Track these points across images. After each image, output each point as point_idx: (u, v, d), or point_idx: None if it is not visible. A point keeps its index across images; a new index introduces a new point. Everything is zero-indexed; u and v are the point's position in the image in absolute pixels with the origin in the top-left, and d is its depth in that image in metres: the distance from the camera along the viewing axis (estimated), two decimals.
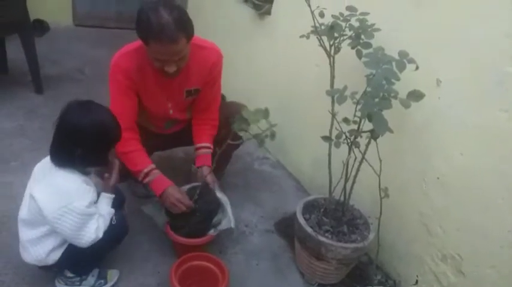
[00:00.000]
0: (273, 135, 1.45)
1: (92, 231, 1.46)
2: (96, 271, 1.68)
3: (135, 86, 1.76)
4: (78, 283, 1.63)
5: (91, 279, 1.65)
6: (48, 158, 1.49)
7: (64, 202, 1.40)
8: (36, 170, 1.53)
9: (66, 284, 1.63)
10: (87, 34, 4.53)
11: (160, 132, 2.04)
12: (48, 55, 3.67)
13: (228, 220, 1.76)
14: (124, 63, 1.71)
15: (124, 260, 1.83)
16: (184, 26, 1.55)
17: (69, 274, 1.61)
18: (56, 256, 1.51)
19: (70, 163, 1.44)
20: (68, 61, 3.75)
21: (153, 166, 1.79)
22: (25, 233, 1.50)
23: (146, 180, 1.76)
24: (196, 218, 1.74)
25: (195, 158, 1.94)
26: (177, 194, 1.73)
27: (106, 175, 1.62)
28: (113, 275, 1.71)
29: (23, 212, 1.50)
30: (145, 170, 1.77)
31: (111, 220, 1.56)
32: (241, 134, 1.48)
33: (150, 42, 1.54)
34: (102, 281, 1.67)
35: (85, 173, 1.51)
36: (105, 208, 1.55)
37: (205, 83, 1.88)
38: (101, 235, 1.49)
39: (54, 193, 1.42)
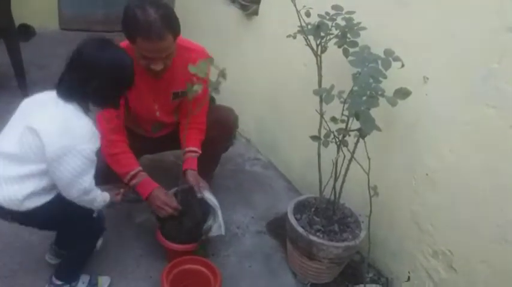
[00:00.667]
0: (224, 75, 1.49)
1: (89, 181, 1.38)
2: (86, 278, 1.66)
3: None
4: None
5: (81, 286, 1.64)
6: (41, 95, 1.41)
7: (74, 142, 1.30)
8: (26, 105, 1.42)
9: None
10: (74, 38, 4.43)
11: (148, 136, 2.02)
12: (35, 60, 3.62)
13: (218, 225, 1.75)
14: None
15: (115, 265, 1.81)
16: (171, 23, 1.55)
17: (58, 282, 1.59)
18: (32, 203, 1.36)
19: (80, 95, 1.35)
20: (54, 65, 3.66)
21: (139, 168, 1.78)
22: (7, 169, 1.34)
23: (133, 182, 1.75)
24: (186, 225, 1.73)
25: (182, 162, 1.92)
26: (163, 197, 1.72)
27: (121, 190, 1.65)
28: (103, 281, 1.69)
29: (10, 145, 1.34)
30: (132, 173, 1.75)
31: (94, 212, 1.52)
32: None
33: (137, 39, 1.53)
34: None
35: (87, 111, 1.42)
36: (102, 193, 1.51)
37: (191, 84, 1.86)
38: (93, 190, 1.42)
39: (64, 129, 1.30)
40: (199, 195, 1.79)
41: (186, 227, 1.73)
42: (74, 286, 1.62)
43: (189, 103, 1.91)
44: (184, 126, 1.96)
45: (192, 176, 1.84)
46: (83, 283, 1.65)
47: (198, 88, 1.45)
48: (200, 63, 1.46)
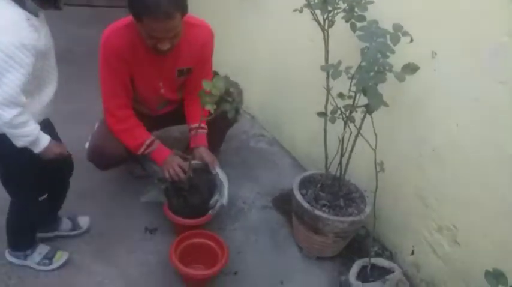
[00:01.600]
0: (237, 111, 1.49)
1: (11, 88, 1.17)
2: (44, 249, 1.67)
3: (127, 65, 1.73)
4: (22, 258, 1.64)
5: (36, 256, 1.65)
6: None
7: None
8: None
9: (12, 257, 1.65)
10: (76, 13, 4.41)
11: (152, 113, 2.03)
12: None
13: (224, 199, 1.78)
14: (115, 41, 1.67)
15: (124, 239, 1.85)
16: (179, 1, 1.52)
17: (10, 250, 1.64)
18: None
19: None
20: (57, 42, 3.66)
21: (153, 137, 1.83)
22: None
23: (148, 150, 1.80)
24: (193, 201, 1.76)
25: (190, 139, 1.93)
26: (178, 160, 1.79)
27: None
28: (61, 257, 1.68)
29: None
30: (148, 141, 1.81)
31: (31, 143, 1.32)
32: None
33: (144, 19, 1.50)
34: (47, 261, 1.65)
35: (34, 12, 1.26)
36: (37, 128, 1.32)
37: (196, 62, 1.86)
38: (19, 107, 1.22)
39: None
40: (213, 171, 1.81)
41: (192, 202, 1.76)
42: (28, 254, 1.64)
43: (194, 80, 1.91)
44: (190, 102, 1.97)
45: (206, 153, 1.86)
46: (40, 253, 1.65)
47: (226, 107, 1.48)
48: (215, 80, 1.42)
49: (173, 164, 1.77)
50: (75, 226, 1.81)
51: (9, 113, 1.21)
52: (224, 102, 1.52)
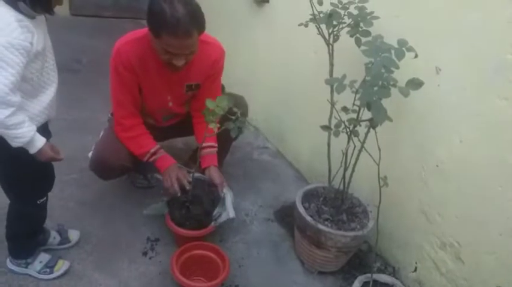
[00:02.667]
0: (241, 130, 1.50)
1: (4, 85, 1.18)
2: (46, 258, 1.66)
3: (136, 77, 1.76)
4: (23, 266, 1.64)
5: (37, 265, 1.65)
6: None
7: None
8: None
9: (13, 265, 1.64)
10: (84, 24, 4.49)
11: (157, 125, 2.04)
12: None
13: (227, 212, 1.77)
14: (126, 53, 1.70)
15: (125, 250, 1.84)
16: (198, 19, 1.54)
17: (11, 258, 1.63)
18: None
19: None
20: (65, 51, 3.70)
21: (159, 146, 1.85)
22: None
23: (152, 159, 1.82)
24: (194, 212, 1.75)
25: (200, 158, 1.92)
26: (178, 172, 1.79)
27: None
28: (62, 266, 1.68)
29: None
30: (152, 150, 1.83)
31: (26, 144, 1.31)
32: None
33: (162, 34, 1.51)
34: (48, 270, 1.65)
35: (28, 14, 1.26)
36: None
37: (206, 78, 1.87)
38: (12, 106, 1.22)
39: None
40: (221, 194, 1.81)
41: (195, 214, 1.76)
42: (29, 263, 1.64)
43: (202, 96, 1.92)
44: (199, 120, 1.98)
45: (216, 174, 1.86)
46: (41, 262, 1.65)
47: (230, 126, 1.50)
48: (219, 99, 1.43)
49: (172, 175, 1.78)
50: (64, 239, 1.80)
51: (1, 114, 1.22)
52: (227, 120, 1.52)
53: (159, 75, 1.77)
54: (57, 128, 1.65)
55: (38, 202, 1.56)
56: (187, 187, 1.77)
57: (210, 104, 1.42)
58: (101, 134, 2.00)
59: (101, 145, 1.89)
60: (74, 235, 1.83)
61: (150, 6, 1.53)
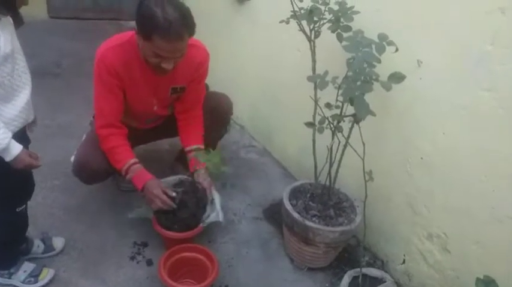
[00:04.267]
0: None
1: None
2: (29, 267, 1.64)
3: (120, 83, 1.73)
4: (7, 276, 1.61)
5: (21, 274, 1.62)
6: None
7: None
8: None
9: None
10: (63, 26, 4.40)
11: (141, 127, 2.01)
12: (24, 49, 3.54)
13: (216, 213, 1.77)
14: (109, 58, 1.67)
15: (113, 254, 1.82)
16: (189, 23, 1.53)
17: None
18: None
19: None
20: (44, 55, 3.65)
21: (132, 161, 1.76)
22: None
23: (128, 176, 1.76)
24: (181, 216, 1.73)
25: (189, 162, 1.90)
26: (155, 189, 1.70)
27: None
28: (47, 274, 1.65)
29: None
30: (125, 168, 1.75)
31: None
32: None
33: (154, 38, 1.49)
34: (33, 279, 1.62)
35: None
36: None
37: (191, 80, 1.86)
38: None
39: None
40: (210, 197, 1.80)
41: (181, 217, 1.74)
42: (13, 273, 1.61)
43: (187, 99, 1.91)
44: (184, 122, 1.96)
45: (203, 177, 1.83)
46: (25, 271, 1.62)
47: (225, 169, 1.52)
48: (211, 155, 1.44)
49: (148, 194, 1.71)
50: (48, 247, 1.76)
51: None
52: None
53: (145, 80, 1.75)
54: (39, 133, 1.62)
55: (17, 210, 1.52)
56: (173, 194, 1.74)
57: (200, 157, 1.48)
58: (84, 136, 1.96)
59: (83, 149, 1.85)
60: (58, 242, 1.79)
61: (140, 9, 1.51)
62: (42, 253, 1.75)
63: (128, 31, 1.74)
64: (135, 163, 1.76)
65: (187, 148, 1.92)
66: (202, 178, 1.84)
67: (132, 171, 1.74)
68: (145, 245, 1.88)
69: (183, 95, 1.90)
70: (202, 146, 1.91)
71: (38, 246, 1.74)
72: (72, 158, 1.86)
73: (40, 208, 1.96)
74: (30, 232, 1.70)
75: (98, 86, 1.74)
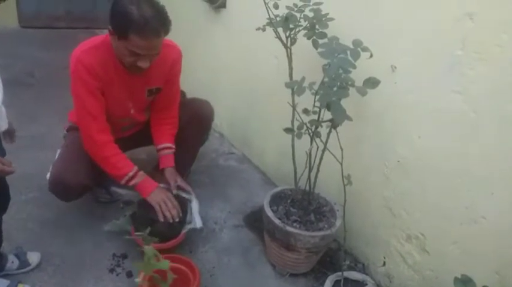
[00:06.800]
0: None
1: None
2: (4, 284, 1.58)
3: (101, 84, 1.69)
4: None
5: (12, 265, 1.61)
6: None
7: None
8: None
9: None
10: (35, 35, 4.32)
11: (118, 135, 1.98)
12: None
13: (194, 221, 1.75)
14: (87, 59, 1.63)
15: (92, 267, 1.77)
16: (165, 20, 1.54)
17: None
18: None
19: None
20: (16, 65, 3.57)
21: (136, 168, 1.79)
22: None
23: (132, 182, 1.74)
24: (161, 227, 1.71)
25: (159, 160, 1.90)
26: (167, 193, 1.77)
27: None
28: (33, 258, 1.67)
29: None
30: (131, 173, 1.75)
31: None
32: None
33: (130, 35, 1.48)
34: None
35: None
36: None
37: (166, 81, 1.85)
38: None
39: None
40: (174, 192, 1.78)
41: (160, 231, 1.71)
42: (3, 265, 1.58)
43: (161, 100, 1.90)
44: (156, 122, 1.95)
45: (169, 173, 1.83)
46: (12, 262, 1.60)
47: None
48: (161, 263, 1.42)
49: (162, 196, 1.76)
50: (23, 263, 1.70)
51: None
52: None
53: (121, 82, 1.73)
54: (12, 145, 1.58)
55: None
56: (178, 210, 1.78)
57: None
58: (58, 151, 1.91)
59: (59, 165, 1.79)
60: (34, 257, 1.74)
61: (114, 8, 1.50)
62: (17, 269, 1.68)
63: (100, 35, 1.72)
64: (139, 170, 1.79)
65: (158, 146, 1.93)
66: (168, 174, 1.87)
67: (140, 177, 1.77)
68: (124, 256, 1.84)
69: (158, 96, 1.89)
70: (173, 145, 1.92)
71: (12, 262, 1.68)
72: (48, 175, 1.80)
73: (14, 222, 1.90)
74: (4, 247, 1.64)
75: (80, 89, 1.67)
